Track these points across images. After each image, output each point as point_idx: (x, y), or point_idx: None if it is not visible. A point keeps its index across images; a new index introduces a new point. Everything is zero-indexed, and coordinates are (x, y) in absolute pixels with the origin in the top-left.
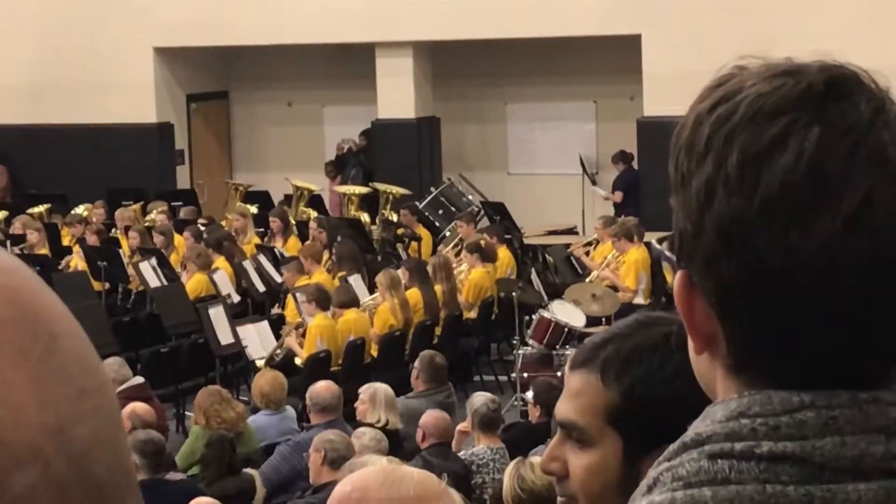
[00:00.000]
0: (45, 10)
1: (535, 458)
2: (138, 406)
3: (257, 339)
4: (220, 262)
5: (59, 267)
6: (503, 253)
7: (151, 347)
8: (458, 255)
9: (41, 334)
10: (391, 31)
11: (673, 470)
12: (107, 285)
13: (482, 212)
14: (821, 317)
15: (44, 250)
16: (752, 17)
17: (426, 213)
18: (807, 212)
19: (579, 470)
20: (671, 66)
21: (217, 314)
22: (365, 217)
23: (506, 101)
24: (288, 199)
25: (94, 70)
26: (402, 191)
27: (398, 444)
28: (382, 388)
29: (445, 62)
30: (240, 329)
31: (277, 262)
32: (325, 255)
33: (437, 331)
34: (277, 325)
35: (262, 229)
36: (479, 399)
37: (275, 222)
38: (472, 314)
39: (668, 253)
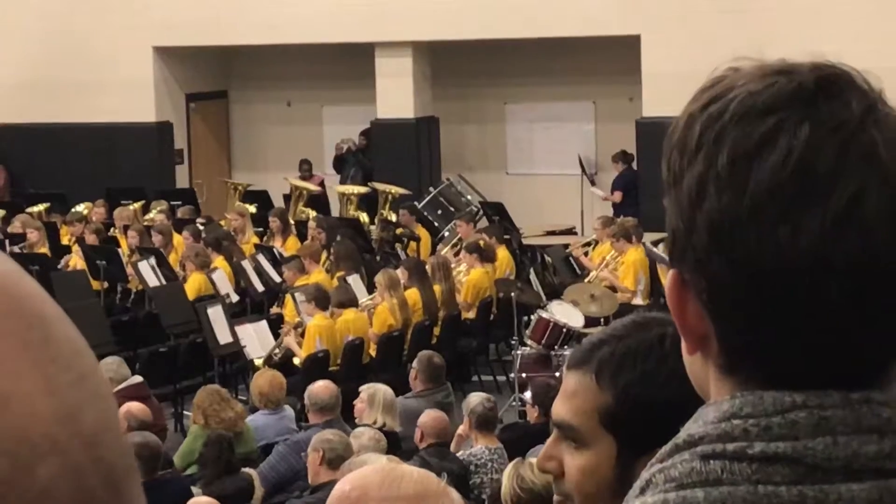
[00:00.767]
0: (45, 10)
1: (534, 459)
2: (134, 406)
3: (256, 339)
4: (218, 261)
5: (59, 266)
6: (502, 253)
7: (150, 347)
8: (457, 254)
9: (35, 322)
10: (390, 31)
11: (665, 471)
12: (105, 284)
13: (481, 212)
14: (811, 316)
15: (43, 249)
16: (751, 18)
17: (425, 213)
18: (796, 210)
19: (574, 470)
20: (670, 67)
21: (216, 314)
22: (364, 217)
23: (505, 101)
24: (287, 198)
25: (94, 69)
26: (401, 191)
27: (396, 445)
28: (382, 390)
29: (445, 62)
30: (238, 329)
31: (276, 261)
32: (324, 255)
33: (436, 331)
34: (276, 324)
35: (260, 229)
36: (476, 399)
37: (274, 222)
38: (471, 314)
39: (660, 253)
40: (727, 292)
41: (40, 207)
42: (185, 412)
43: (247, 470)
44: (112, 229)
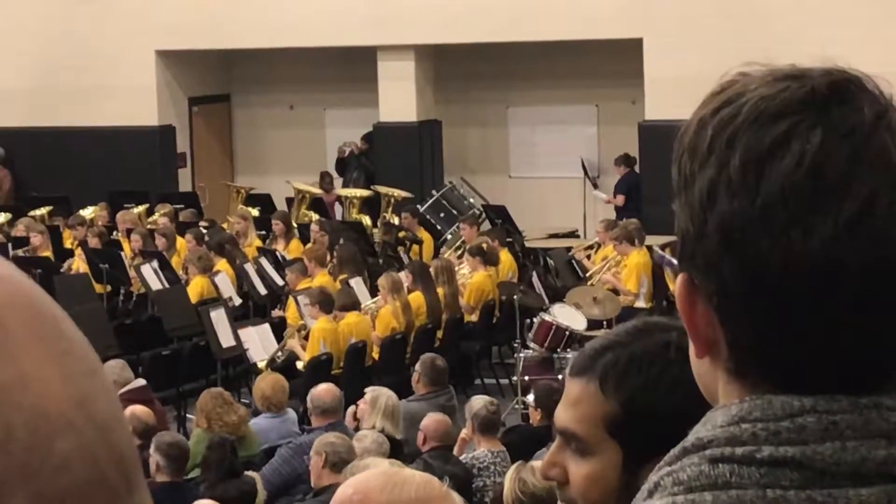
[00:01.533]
0: (48, 14)
1: (537, 463)
2: (138, 408)
3: (258, 342)
4: (221, 264)
5: (62, 270)
6: (504, 256)
7: (153, 350)
8: (460, 258)
9: (49, 320)
10: (393, 34)
11: (674, 474)
12: (108, 288)
13: (484, 215)
14: (821, 320)
15: (47, 253)
16: (753, 21)
17: (427, 217)
18: (808, 214)
19: (579, 478)
20: (673, 70)
21: (218, 317)
22: (366, 220)
23: (507, 104)
24: (290, 202)
25: (96, 73)
26: (403, 194)
27: (398, 449)
28: (386, 395)
29: (447, 65)
30: (241, 332)
31: (279, 264)
32: (327, 258)
33: (439, 334)
34: (278, 327)
35: (263, 232)
36: (478, 402)
37: (277, 225)
38: (474, 317)
39: (668, 257)
40: (737, 296)
41: (43, 211)
42: (188, 415)
43: (250, 473)
44: (115, 233)
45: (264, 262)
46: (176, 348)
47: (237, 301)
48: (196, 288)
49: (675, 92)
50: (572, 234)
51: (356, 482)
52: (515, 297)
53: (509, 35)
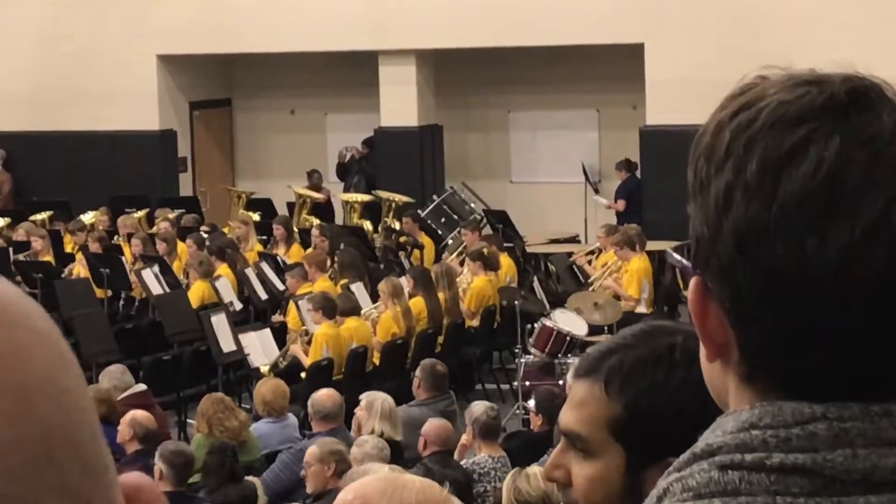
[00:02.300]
0: (49, 18)
1: (532, 469)
2: (138, 413)
3: (259, 347)
4: (222, 269)
5: (62, 274)
6: (504, 261)
7: (154, 355)
8: (462, 263)
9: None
10: (394, 39)
11: (683, 480)
12: (109, 292)
13: (485, 220)
14: (834, 327)
15: (48, 257)
16: (754, 26)
17: (428, 221)
18: (825, 220)
19: (582, 480)
20: (674, 74)
21: (219, 321)
22: (367, 225)
23: (509, 109)
24: (291, 206)
25: (97, 77)
26: (404, 199)
27: (398, 454)
28: (381, 399)
29: (448, 70)
30: (242, 336)
31: (280, 269)
32: (328, 263)
33: (440, 339)
34: (279, 332)
35: (264, 237)
36: (479, 407)
37: (278, 230)
38: (475, 322)
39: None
40: (751, 301)
41: (44, 215)
42: (188, 420)
43: (250, 478)
44: (116, 237)
45: (265, 266)
46: (177, 353)
47: (238, 306)
48: (197, 293)
49: (676, 97)
50: (573, 240)
51: (356, 488)
52: (516, 302)
53: (510, 40)
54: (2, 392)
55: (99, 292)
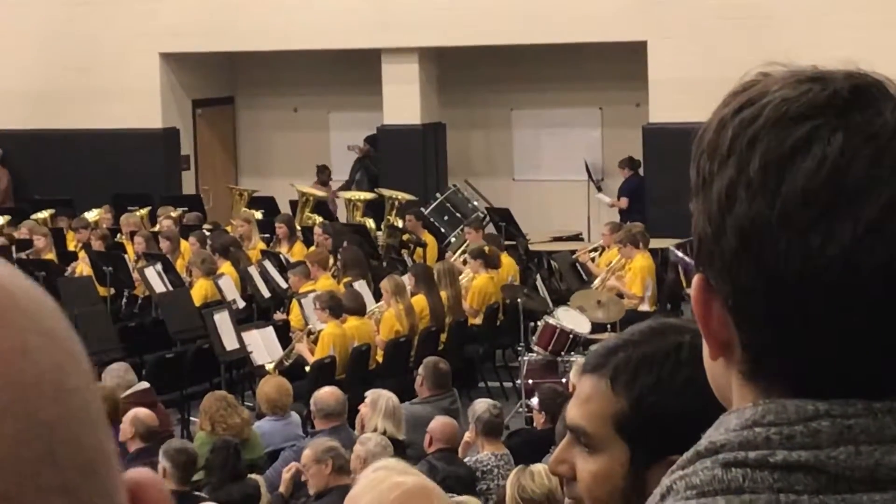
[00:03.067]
0: (51, 15)
1: (537, 467)
2: (141, 411)
3: (262, 345)
4: (225, 267)
5: (65, 272)
6: (505, 259)
7: (156, 353)
8: (465, 262)
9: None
10: (397, 37)
11: (686, 478)
12: (112, 291)
13: (487, 218)
14: (838, 324)
15: (50, 255)
16: (756, 25)
17: (431, 219)
18: (828, 217)
19: (586, 475)
20: (677, 72)
21: (222, 320)
22: (370, 223)
23: (511, 107)
24: (293, 205)
25: (100, 75)
26: (407, 197)
27: (401, 452)
28: (385, 397)
29: (451, 68)
30: (245, 335)
31: (283, 267)
32: (331, 261)
33: (443, 337)
34: (282, 330)
35: (267, 235)
36: (482, 405)
37: (280, 228)
38: (478, 320)
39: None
40: (754, 298)
41: (46, 213)
42: (191, 418)
43: (253, 476)
44: (118, 235)
45: (268, 265)
46: (179, 351)
47: (241, 304)
48: (200, 291)
49: (678, 95)
50: (576, 237)
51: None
52: (519, 300)
53: (513, 38)
54: (5, 389)
55: (102, 290)
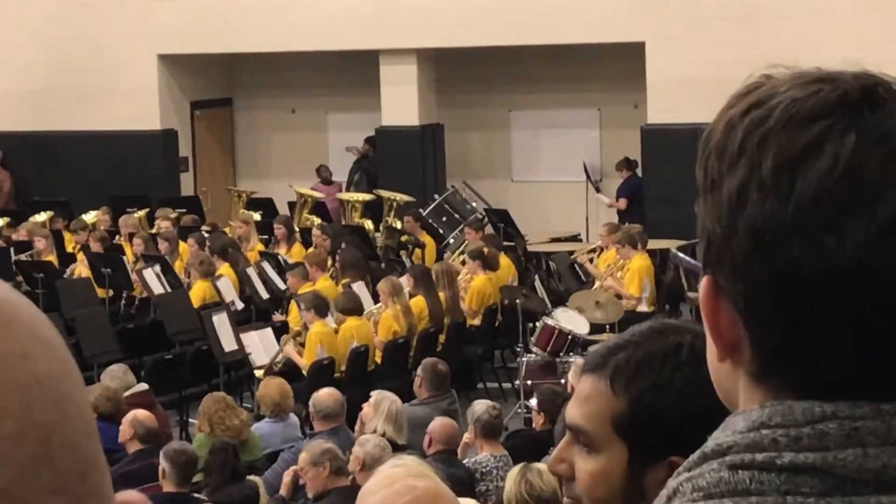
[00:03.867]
0: (49, 17)
1: (542, 465)
2: (139, 413)
3: (261, 346)
4: (223, 269)
5: (64, 275)
6: (504, 260)
7: (155, 354)
8: (464, 263)
9: None
10: (395, 38)
11: (693, 480)
12: (110, 292)
13: (486, 219)
14: (850, 325)
15: (51, 257)
16: (756, 25)
17: (430, 221)
18: (842, 217)
19: (584, 475)
20: (675, 73)
21: (220, 321)
22: (368, 224)
23: (510, 108)
24: (292, 206)
25: (98, 77)
26: (405, 198)
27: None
28: (390, 400)
29: (449, 69)
30: (243, 336)
31: (281, 269)
32: (329, 262)
33: (441, 338)
34: (281, 332)
35: (265, 236)
36: (480, 406)
37: (279, 229)
38: (476, 321)
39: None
40: (766, 299)
41: (44, 215)
42: (190, 420)
43: (252, 477)
44: (117, 237)
45: (266, 266)
46: (178, 352)
47: (239, 305)
48: (198, 292)
49: (677, 95)
50: (574, 238)
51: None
52: (518, 301)
53: (511, 39)
54: (6, 390)
55: (100, 292)
